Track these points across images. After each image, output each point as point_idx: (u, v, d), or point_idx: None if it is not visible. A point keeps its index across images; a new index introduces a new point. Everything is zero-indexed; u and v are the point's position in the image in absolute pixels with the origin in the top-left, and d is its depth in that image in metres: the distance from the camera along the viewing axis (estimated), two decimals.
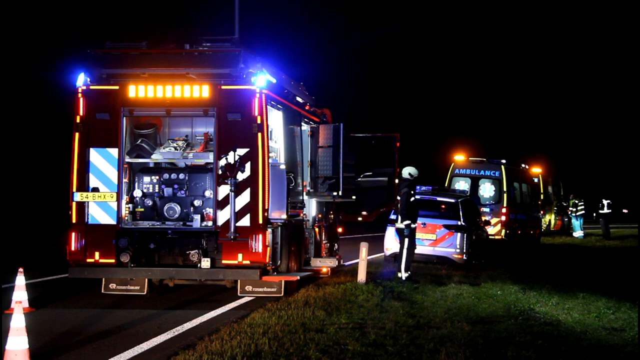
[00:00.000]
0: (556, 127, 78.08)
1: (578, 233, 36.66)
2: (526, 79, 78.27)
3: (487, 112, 71.59)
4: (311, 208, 15.89)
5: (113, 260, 12.56)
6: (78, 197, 12.64)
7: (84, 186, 12.68)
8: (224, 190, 12.47)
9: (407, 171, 16.38)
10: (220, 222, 12.52)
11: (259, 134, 12.47)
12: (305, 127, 15.51)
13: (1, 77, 33.86)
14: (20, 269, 11.94)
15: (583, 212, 37.39)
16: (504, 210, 26.72)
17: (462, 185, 27.02)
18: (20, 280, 11.82)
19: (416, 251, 16.72)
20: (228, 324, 10.76)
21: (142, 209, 13.08)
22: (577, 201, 36.63)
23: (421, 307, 12.56)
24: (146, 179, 13.20)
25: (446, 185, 27.10)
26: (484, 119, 69.79)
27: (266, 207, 12.48)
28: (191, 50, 12.86)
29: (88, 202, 12.64)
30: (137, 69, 12.80)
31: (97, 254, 12.60)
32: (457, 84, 71.99)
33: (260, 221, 12.41)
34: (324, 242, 16.52)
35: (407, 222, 16.01)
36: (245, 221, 12.42)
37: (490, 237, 23.04)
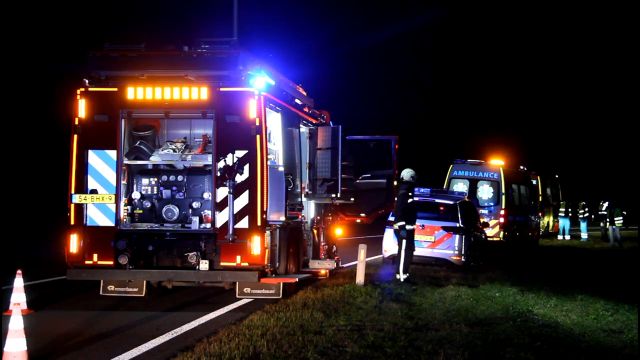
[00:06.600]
0: (555, 129, 78.12)
1: (583, 235, 36.89)
2: (525, 80, 78.31)
3: (485, 113, 71.64)
4: (310, 210, 15.89)
5: (111, 262, 12.55)
6: (76, 199, 12.63)
7: (82, 188, 12.67)
8: (222, 192, 12.47)
9: (407, 173, 16.40)
10: (218, 224, 12.52)
11: (258, 136, 12.47)
12: (304, 129, 15.51)
13: (1, 78, 33.88)
14: (19, 271, 11.93)
15: (587, 214, 37.52)
16: (502, 212, 26.72)
17: (460, 187, 27.02)
18: (19, 282, 11.80)
19: (415, 253, 16.72)
20: (226, 326, 10.75)
21: (141, 211, 13.07)
22: (578, 204, 36.92)
23: (419, 309, 12.56)
24: (145, 180, 13.18)
25: (444, 187, 27.12)
26: (482, 120, 69.83)
27: (264, 209, 12.47)
28: (190, 52, 12.86)
29: (86, 204, 12.63)
30: (135, 71, 12.77)
31: (95, 256, 12.60)
32: (456, 86, 72.03)
33: (259, 223, 12.40)
34: (322, 244, 16.52)
35: (401, 223, 16.02)
36: (243, 223, 12.42)
37: (488, 238, 23.04)
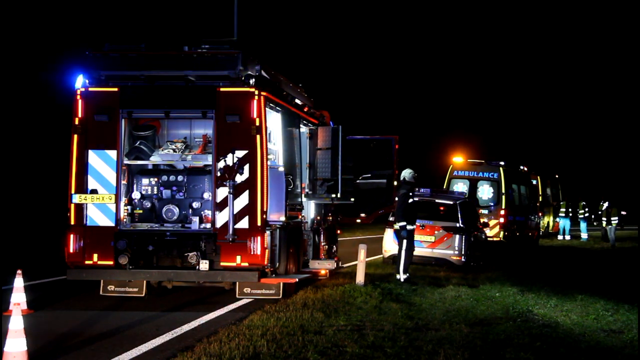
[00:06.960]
0: (555, 129, 78.16)
1: (584, 235, 36.92)
2: (525, 81, 78.36)
3: (486, 114, 71.68)
4: (310, 210, 15.90)
5: (111, 262, 12.56)
6: (76, 199, 12.63)
7: (82, 188, 12.68)
8: (222, 192, 12.47)
9: (408, 174, 16.40)
10: (218, 224, 12.52)
11: (258, 136, 12.47)
12: (304, 129, 15.52)
13: (1, 78, 33.87)
14: (19, 271, 11.93)
15: (587, 214, 37.54)
16: (502, 212, 26.72)
17: (460, 187, 27.03)
18: (19, 282, 11.81)
19: (415, 253, 16.73)
20: (226, 326, 10.75)
21: (141, 211, 13.08)
22: (578, 204, 36.91)
23: (420, 309, 12.56)
24: (145, 180, 13.19)
25: (445, 187, 27.13)
26: (483, 121, 69.87)
27: (265, 209, 12.48)
28: (190, 52, 12.86)
29: (86, 204, 12.64)
30: (135, 71, 12.79)
31: (95, 256, 12.60)
32: (456, 86, 72.07)
33: (259, 223, 12.41)
34: (322, 244, 16.53)
35: (402, 223, 16.03)
36: (243, 223, 12.42)
37: (488, 238, 23.05)
